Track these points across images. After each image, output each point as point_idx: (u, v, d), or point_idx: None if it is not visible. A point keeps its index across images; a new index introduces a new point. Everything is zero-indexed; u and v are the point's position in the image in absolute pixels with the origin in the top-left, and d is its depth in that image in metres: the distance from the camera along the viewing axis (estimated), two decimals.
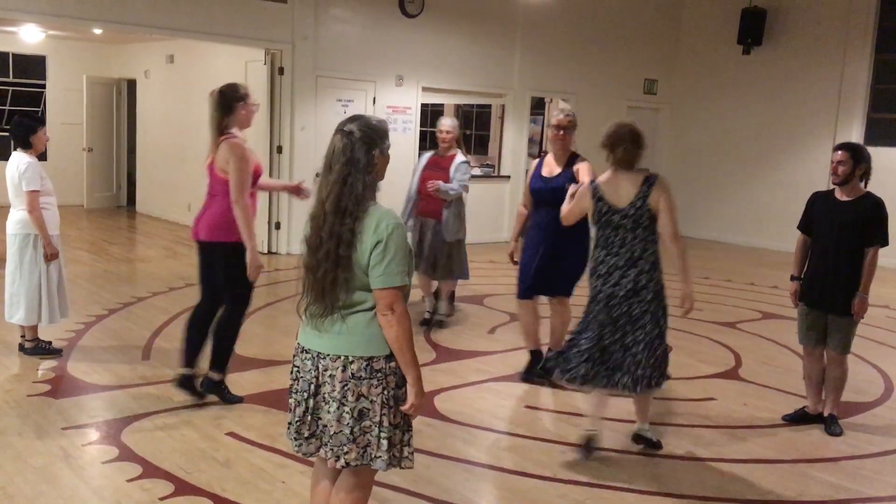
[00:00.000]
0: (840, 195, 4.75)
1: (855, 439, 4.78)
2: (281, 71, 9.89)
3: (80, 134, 13.55)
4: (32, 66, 13.85)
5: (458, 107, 14.84)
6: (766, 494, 3.99)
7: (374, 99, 10.63)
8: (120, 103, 14.16)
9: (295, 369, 2.82)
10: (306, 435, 2.77)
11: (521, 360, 6.00)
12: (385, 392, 2.68)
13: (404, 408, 2.71)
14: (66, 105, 13.78)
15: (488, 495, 3.90)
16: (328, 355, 2.69)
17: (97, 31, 11.25)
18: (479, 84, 11.80)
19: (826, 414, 4.93)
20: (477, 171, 12.75)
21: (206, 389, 4.80)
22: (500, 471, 4.14)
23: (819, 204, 4.88)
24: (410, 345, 2.67)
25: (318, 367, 2.72)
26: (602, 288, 4.17)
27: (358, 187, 2.63)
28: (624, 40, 13.20)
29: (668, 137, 14.27)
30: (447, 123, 6.82)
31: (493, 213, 12.18)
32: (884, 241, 4.65)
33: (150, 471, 3.89)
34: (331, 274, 2.64)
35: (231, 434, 4.38)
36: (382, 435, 2.69)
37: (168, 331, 6.40)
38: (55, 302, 5.51)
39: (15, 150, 5.44)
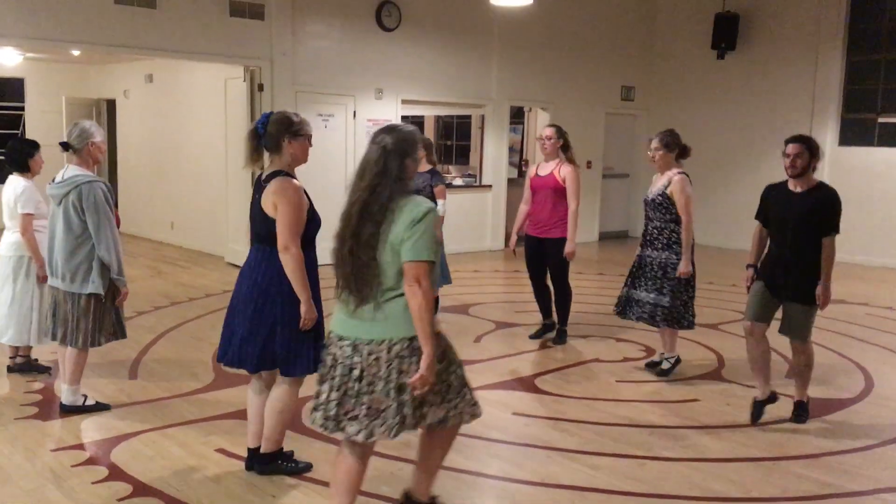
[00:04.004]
0: (793, 186, 4.80)
1: (836, 435, 4.86)
2: (261, 87, 9.91)
3: (60, 155, 13.46)
4: (10, 88, 13.81)
5: (438, 118, 14.92)
6: (751, 492, 4.05)
7: (355, 113, 10.66)
8: (100, 123, 14.06)
9: (330, 357, 3.05)
10: (343, 415, 3.00)
11: (508, 367, 6.07)
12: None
13: (411, 380, 2.92)
14: (45, 127, 13.70)
15: (478, 502, 3.93)
16: (372, 340, 2.93)
17: (75, 53, 11.24)
18: (458, 95, 11.88)
19: (795, 400, 5.03)
20: (459, 182, 12.82)
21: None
22: (488, 477, 4.19)
23: (773, 196, 4.93)
24: (430, 319, 2.91)
25: (361, 353, 2.95)
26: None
27: (384, 195, 2.90)
28: (600, 48, 13.34)
29: (645, 143, 14.34)
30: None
31: (475, 222, 12.24)
32: (836, 230, 4.70)
33: (141, 489, 3.90)
34: (352, 269, 2.93)
35: (220, 450, 4.40)
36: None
37: (155, 349, 6.40)
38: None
39: (11, 173, 5.50)
